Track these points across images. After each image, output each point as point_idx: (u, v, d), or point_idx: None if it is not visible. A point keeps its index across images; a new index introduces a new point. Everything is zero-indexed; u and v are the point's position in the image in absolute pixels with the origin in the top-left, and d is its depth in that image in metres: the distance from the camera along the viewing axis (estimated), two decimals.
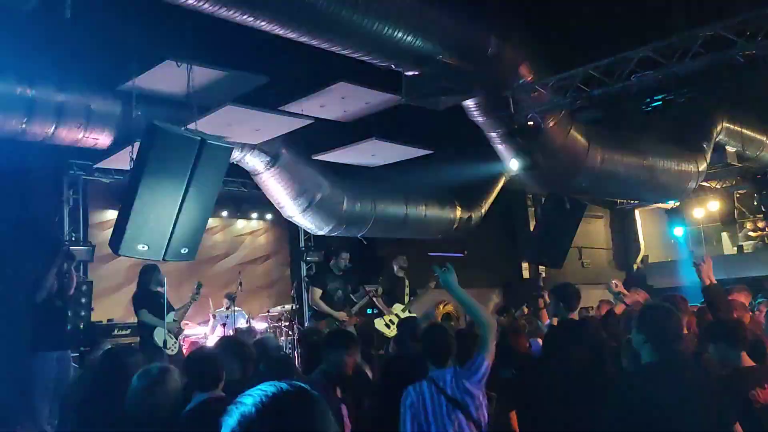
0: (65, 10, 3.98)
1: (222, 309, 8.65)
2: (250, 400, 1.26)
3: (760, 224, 13.65)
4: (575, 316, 4.61)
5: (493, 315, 4.97)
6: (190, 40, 5.33)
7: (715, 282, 4.28)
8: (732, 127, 10.79)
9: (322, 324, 7.46)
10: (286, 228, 10.52)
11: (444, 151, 8.78)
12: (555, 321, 4.86)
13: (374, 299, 7.85)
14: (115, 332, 7.59)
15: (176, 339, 6.93)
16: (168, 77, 5.81)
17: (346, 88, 6.31)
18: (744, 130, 11.00)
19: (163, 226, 5.38)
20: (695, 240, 15.32)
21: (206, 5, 4.38)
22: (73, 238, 8.10)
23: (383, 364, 4.43)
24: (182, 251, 5.64)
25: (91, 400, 3.40)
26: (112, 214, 8.22)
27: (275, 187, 8.20)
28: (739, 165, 12.01)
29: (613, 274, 13.81)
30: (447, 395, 3.13)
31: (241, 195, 9.68)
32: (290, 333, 8.80)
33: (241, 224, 10.27)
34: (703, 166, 10.29)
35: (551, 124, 7.22)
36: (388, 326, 7.74)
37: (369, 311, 7.80)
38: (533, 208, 13.18)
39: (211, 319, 8.68)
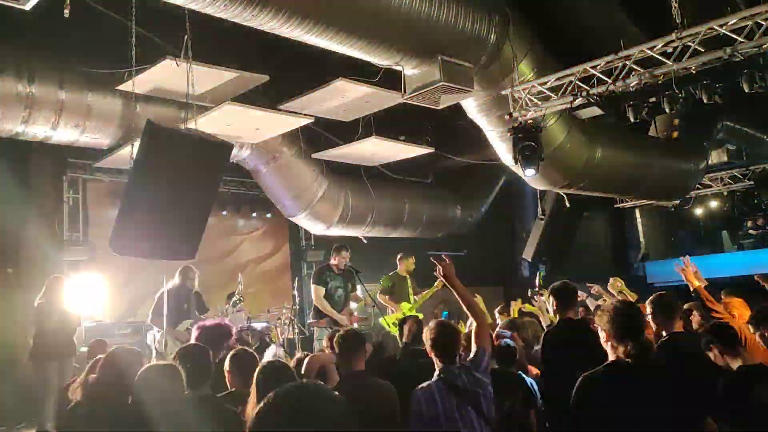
0: (64, 9, 3.97)
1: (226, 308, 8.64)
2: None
3: (760, 222, 13.64)
4: (573, 314, 4.62)
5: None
6: (190, 38, 5.32)
7: (704, 284, 4.28)
8: (732, 125, 10.79)
9: (321, 323, 7.46)
10: (286, 227, 10.52)
11: (444, 149, 8.79)
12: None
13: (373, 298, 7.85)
14: (116, 332, 7.58)
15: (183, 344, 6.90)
16: (168, 76, 5.81)
17: (345, 86, 6.31)
18: (744, 128, 11.01)
19: (162, 225, 5.37)
20: (695, 239, 15.33)
21: (206, 5, 4.38)
22: (73, 238, 8.10)
23: (389, 364, 4.44)
24: (182, 250, 5.64)
25: (90, 401, 3.40)
26: (112, 214, 8.21)
27: (275, 186, 8.20)
28: (740, 163, 12.01)
29: (613, 272, 13.79)
30: (459, 391, 3.14)
31: (242, 194, 9.68)
32: (290, 332, 8.79)
33: (241, 223, 10.26)
34: (703, 165, 10.30)
35: (551, 123, 7.22)
36: (394, 323, 7.74)
37: (369, 311, 7.80)
38: (533, 207, 13.17)
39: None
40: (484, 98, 6.81)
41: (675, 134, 9.85)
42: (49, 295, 6.36)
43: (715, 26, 5.34)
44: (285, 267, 10.82)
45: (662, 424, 2.50)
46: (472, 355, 3.34)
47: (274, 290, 10.51)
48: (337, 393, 1.55)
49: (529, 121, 6.69)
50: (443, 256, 3.57)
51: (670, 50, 5.68)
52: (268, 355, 7.96)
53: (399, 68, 5.84)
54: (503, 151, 7.69)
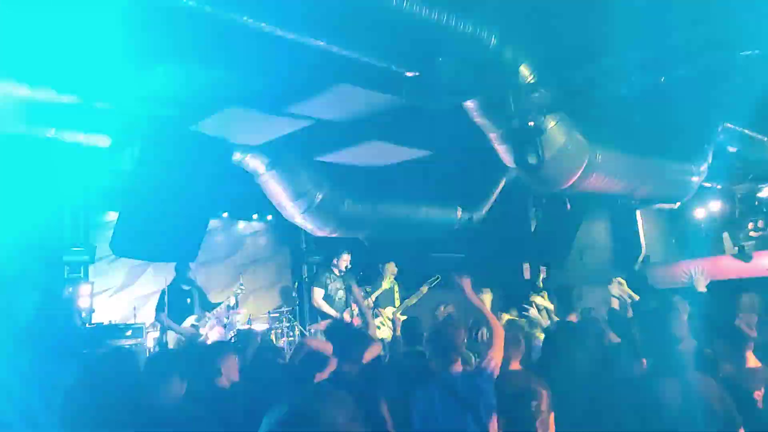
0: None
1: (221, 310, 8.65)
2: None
3: (761, 224, 13.64)
4: (575, 317, 4.62)
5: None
6: (190, 40, 5.33)
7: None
8: (733, 127, 10.78)
9: (322, 325, 7.47)
10: (287, 229, 10.52)
11: (445, 152, 8.78)
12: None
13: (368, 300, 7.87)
14: (116, 333, 7.58)
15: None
16: (169, 78, 5.82)
17: (346, 89, 6.31)
18: (744, 130, 11.00)
19: (164, 227, 5.38)
20: (696, 240, 15.32)
21: (206, 7, 4.38)
22: (74, 239, 8.10)
23: (392, 366, 4.44)
24: (183, 252, 5.65)
25: (91, 401, 3.40)
26: (112, 216, 8.23)
27: (276, 188, 8.20)
28: (740, 165, 12.00)
29: (614, 274, 13.77)
30: (457, 395, 3.14)
31: (242, 196, 9.68)
32: (291, 334, 8.80)
33: (242, 225, 10.27)
34: (704, 166, 10.28)
35: (552, 125, 7.21)
36: (378, 327, 7.75)
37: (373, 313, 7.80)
38: (534, 209, 13.17)
39: (210, 320, 8.69)
40: (485, 100, 6.81)
41: (675, 135, 9.86)
42: None
43: (715, 29, 5.34)
44: (285, 269, 10.83)
45: None
46: (479, 361, 3.34)
47: (274, 292, 10.52)
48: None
49: (530, 123, 6.69)
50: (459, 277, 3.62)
51: (671, 52, 5.68)
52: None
53: (399, 71, 5.84)
54: (504, 152, 7.69)
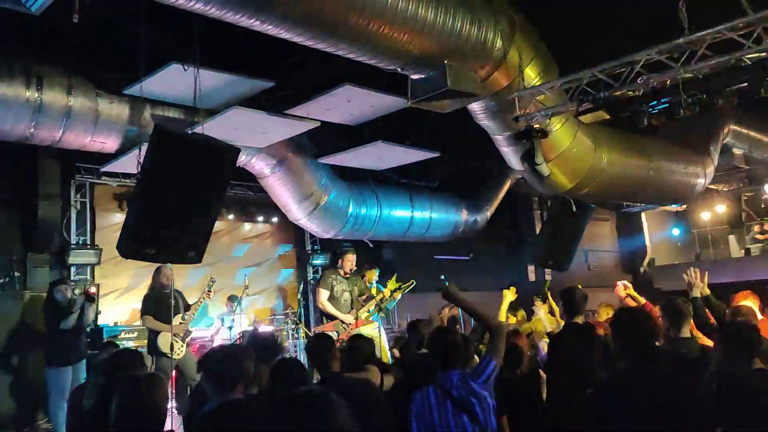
0: (73, 14, 4.00)
1: (226, 311, 8.67)
2: None
3: (767, 227, 13.58)
4: (581, 319, 4.62)
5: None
6: (197, 43, 5.35)
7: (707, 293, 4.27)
8: (739, 129, 10.75)
9: (328, 326, 7.47)
10: (292, 231, 10.54)
11: (450, 154, 8.79)
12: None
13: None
14: (122, 335, 7.61)
15: (183, 342, 6.94)
16: (175, 81, 5.84)
17: (351, 91, 6.33)
18: (751, 132, 10.96)
19: (170, 229, 5.39)
20: (702, 243, 15.27)
21: (213, 9, 4.40)
22: (81, 242, 8.13)
23: (398, 368, 4.43)
24: (189, 254, 5.65)
25: (95, 404, 3.42)
26: (119, 218, 8.26)
27: (281, 190, 8.22)
28: (747, 167, 11.96)
29: (620, 276, 13.76)
30: (453, 397, 3.13)
31: (248, 198, 9.70)
32: (296, 336, 8.81)
33: (247, 227, 10.29)
34: (710, 169, 10.25)
35: (557, 127, 7.21)
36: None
37: (376, 315, 7.79)
38: (539, 211, 13.16)
39: (216, 322, 8.71)
40: (490, 102, 6.81)
41: (681, 137, 9.83)
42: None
43: (723, 31, 5.32)
44: (291, 270, 10.85)
45: None
46: (478, 364, 3.31)
47: (280, 294, 10.54)
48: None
49: (536, 126, 6.69)
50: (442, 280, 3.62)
51: (677, 54, 5.67)
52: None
53: (405, 73, 5.85)
54: (509, 155, 7.68)
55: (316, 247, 10.68)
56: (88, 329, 7.06)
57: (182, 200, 5.42)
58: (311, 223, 8.66)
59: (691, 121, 9.39)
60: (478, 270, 11.53)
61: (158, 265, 6.76)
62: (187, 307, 7.11)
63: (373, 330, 7.56)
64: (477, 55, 5.83)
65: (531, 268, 13.00)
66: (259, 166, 7.86)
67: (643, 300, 5.27)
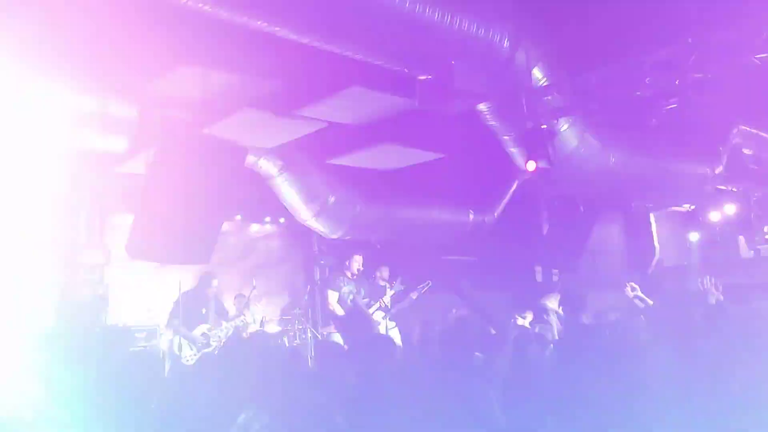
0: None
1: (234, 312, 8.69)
2: None
3: None
4: (587, 320, 4.62)
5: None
6: (206, 44, 5.37)
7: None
8: (748, 129, 10.68)
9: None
10: (299, 232, 10.55)
11: (457, 154, 8.77)
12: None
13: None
14: (131, 336, 7.64)
15: (197, 351, 6.96)
16: (183, 81, 5.87)
17: (359, 92, 6.33)
18: (761, 133, 10.89)
19: (177, 229, 5.42)
20: (711, 244, 15.17)
21: (221, 11, 4.42)
22: (90, 242, 8.17)
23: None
24: (196, 255, 5.68)
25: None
26: (128, 219, 8.30)
27: (288, 191, 8.23)
28: (756, 168, 11.88)
29: (628, 277, 13.71)
30: (460, 394, 3.15)
31: (255, 199, 9.72)
32: (303, 337, 8.82)
33: (254, 228, 10.31)
34: (719, 169, 10.19)
35: (565, 127, 7.19)
36: None
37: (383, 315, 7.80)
38: (546, 212, 13.11)
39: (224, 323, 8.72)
40: (498, 103, 6.80)
41: (690, 138, 9.77)
42: None
43: (731, 31, 5.30)
44: (298, 271, 10.86)
45: None
46: (484, 360, 3.36)
47: (286, 295, 10.56)
48: None
49: (543, 126, 6.67)
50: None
51: (685, 55, 5.65)
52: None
53: (412, 73, 5.85)
54: (517, 155, 7.67)
55: (323, 247, 10.69)
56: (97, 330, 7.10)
57: (190, 201, 5.46)
58: (318, 223, 8.66)
59: (699, 122, 9.38)
60: (484, 271, 11.50)
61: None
62: (221, 318, 7.16)
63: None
64: (484, 55, 5.83)
65: (538, 270, 12.96)
66: (267, 166, 7.88)
67: (651, 301, 5.26)
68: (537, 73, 6.49)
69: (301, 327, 8.93)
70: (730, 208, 13.86)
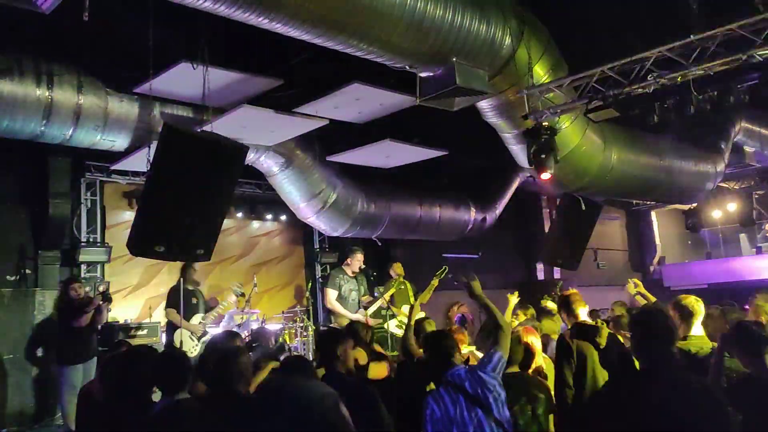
0: (84, 12, 4.02)
1: (234, 309, 8.68)
2: None
3: None
4: (587, 319, 4.62)
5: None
6: (206, 42, 5.37)
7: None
8: (750, 126, 10.67)
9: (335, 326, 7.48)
10: (300, 229, 10.54)
11: (458, 152, 8.77)
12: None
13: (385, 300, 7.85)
14: (132, 332, 7.65)
15: (198, 341, 7.02)
16: (184, 79, 5.86)
17: (360, 89, 6.32)
18: (762, 130, 10.88)
19: (179, 227, 5.42)
20: (713, 241, 15.17)
21: (222, 7, 4.41)
22: (91, 240, 8.18)
23: (396, 369, 4.45)
24: (198, 252, 5.68)
25: (106, 400, 3.44)
26: (129, 216, 8.29)
27: (289, 188, 8.23)
28: (758, 165, 11.86)
29: (630, 275, 13.71)
30: (466, 392, 3.14)
31: (256, 196, 9.72)
32: (304, 334, 8.81)
33: (256, 225, 10.30)
34: (721, 167, 10.18)
35: (566, 125, 7.18)
36: (399, 327, 7.74)
37: (383, 313, 7.79)
38: (548, 210, 13.11)
39: (224, 319, 8.73)
40: (499, 100, 6.79)
41: (692, 135, 9.75)
42: None
43: (734, 28, 5.28)
44: (299, 269, 10.85)
45: None
46: (485, 356, 3.36)
47: (287, 292, 10.55)
48: None
49: (545, 124, 6.66)
50: (465, 276, 3.66)
51: (688, 52, 5.63)
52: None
53: (413, 71, 5.84)
54: (518, 153, 7.66)
55: (324, 245, 10.68)
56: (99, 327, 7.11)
57: (191, 198, 5.45)
58: (319, 221, 8.67)
59: (701, 119, 9.36)
60: (486, 268, 11.50)
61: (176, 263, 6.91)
62: (208, 309, 7.25)
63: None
64: (486, 52, 5.81)
65: (540, 267, 12.97)
66: (268, 164, 7.88)
67: (653, 298, 5.24)
68: (539, 70, 6.48)
69: (302, 324, 8.93)
70: (732, 206, 13.86)
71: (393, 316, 7.82)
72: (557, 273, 12.48)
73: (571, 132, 7.37)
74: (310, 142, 7.96)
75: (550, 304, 7.11)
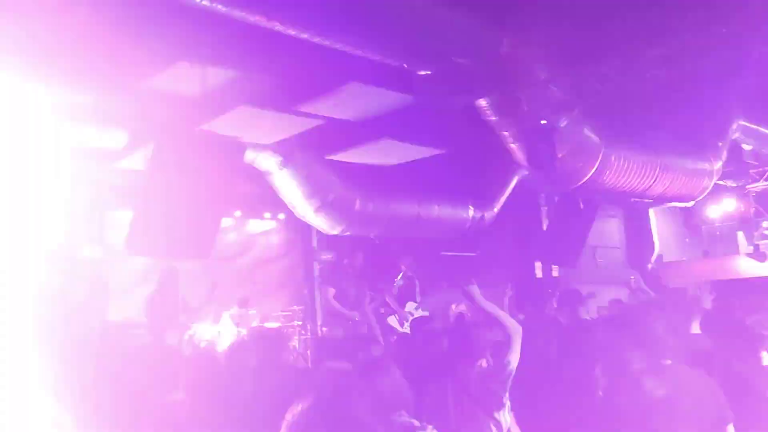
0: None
1: (233, 309, 8.70)
2: None
3: None
4: (586, 316, 4.64)
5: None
6: (204, 40, 5.36)
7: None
8: (748, 124, 10.67)
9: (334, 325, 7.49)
10: (299, 228, 10.55)
11: (456, 150, 8.77)
12: None
13: (386, 298, 7.86)
14: (130, 332, 7.64)
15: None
16: (182, 78, 5.85)
17: (358, 88, 6.32)
18: (760, 128, 10.89)
19: (177, 225, 5.42)
20: (710, 239, 15.19)
21: (219, 6, 4.41)
22: (89, 237, 8.17)
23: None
24: (196, 251, 5.68)
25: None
26: (127, 214, 8.29)
27: (288, 187, 8.22)
28: (756, 163, 11.88)
29: (628, 273, 13.73)
30: (469, 393, 3.15)
31: (254, 195, 9.71)
32: (303, 333, 8.82)
33: (254, 224, 10.30)
34: (718, 165, 10.19)
35: (564, 123, 7.19)
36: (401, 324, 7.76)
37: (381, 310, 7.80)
38: (546, 208, 13.12)
39: (222, 319, 8.74)
40: (497, 99, 6.80)
41: (689, 133, 9.75)
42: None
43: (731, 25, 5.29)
44: (297, 267, 10.86)
45: None
46: (496, 362, 3.32)
47: (286, 291, 10.56)
48: None
49: (543, 122, 6.66)
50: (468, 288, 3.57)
51: (685, 49, 5.64)
52: None
53: (411, 69, 5.84)
54: (516, 151, 7.67)
55: (322, 243, 10.69)
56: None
57: (189, 197, 5.45)
58: (318, 219, 8.66)
59: (699, 117, 9.37)
60: (484, 266, 11.51)
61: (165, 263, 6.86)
62: (189, 309, 7.25)
63: None
64: (484, 51, 5.82)
65: (538, 265, 12.97)
66: (266, 162, 7.87)
67: (652, 293, 5.26)
68: (537, 69, 6.49)
69: (300, 323, 8.93)
70: (730, 204, 13.88)
71: (391, 312, 7.85)
72: (555, 271, 12.49)
73: (570, 130, 7.38)
74: (308, 140, 7.95)
75: None
